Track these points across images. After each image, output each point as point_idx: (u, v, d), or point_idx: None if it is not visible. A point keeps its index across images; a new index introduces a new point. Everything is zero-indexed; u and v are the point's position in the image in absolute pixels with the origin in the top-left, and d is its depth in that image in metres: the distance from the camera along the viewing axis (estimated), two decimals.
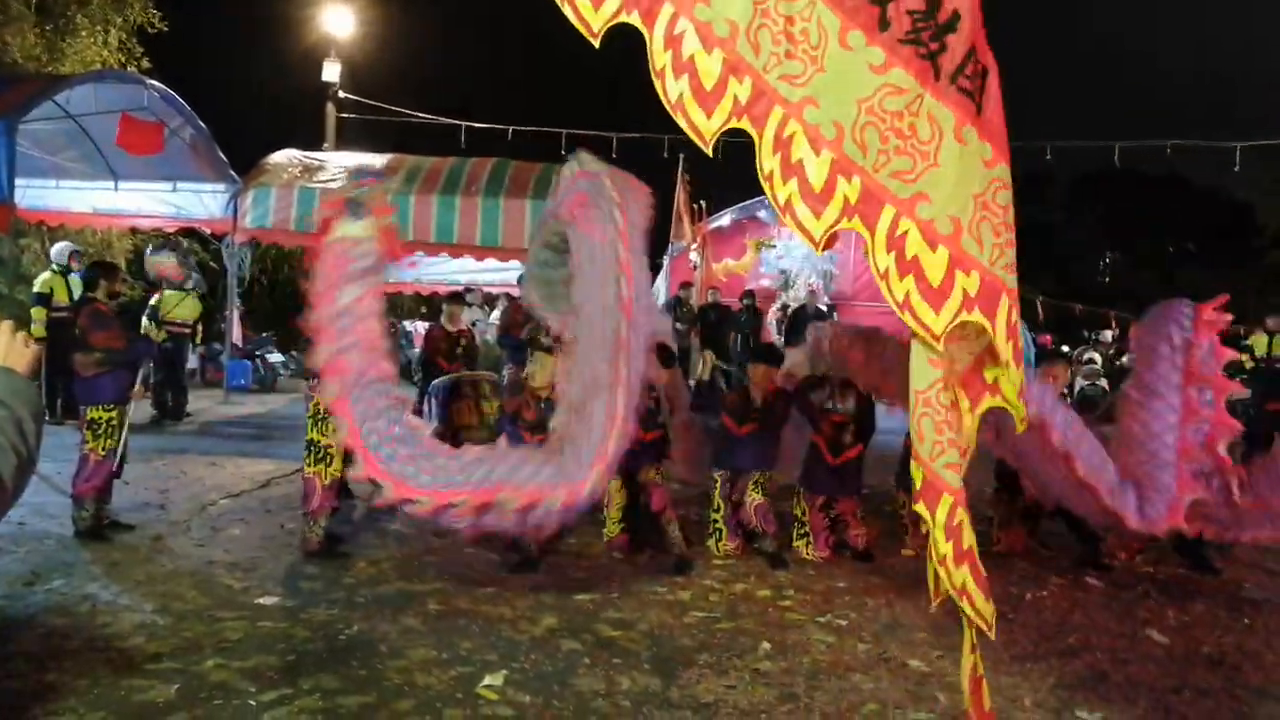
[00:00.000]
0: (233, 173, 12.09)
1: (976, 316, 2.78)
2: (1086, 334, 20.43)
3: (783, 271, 17.81)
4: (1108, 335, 18.27)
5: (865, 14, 2.76)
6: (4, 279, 12.71)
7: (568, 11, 2.67)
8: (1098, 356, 14.92)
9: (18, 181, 8.49)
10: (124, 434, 6.37)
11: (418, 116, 19.29)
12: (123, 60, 15.68)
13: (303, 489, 6.07)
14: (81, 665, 4.15)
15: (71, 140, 11.31)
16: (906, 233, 2.76)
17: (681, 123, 2.70)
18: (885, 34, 2.77)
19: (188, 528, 6.55)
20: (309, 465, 6.00)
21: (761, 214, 17.31)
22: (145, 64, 15.98)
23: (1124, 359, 14.09)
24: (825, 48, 2.74)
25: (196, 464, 8.72)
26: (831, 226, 2.74)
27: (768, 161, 2.75)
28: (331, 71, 18.75)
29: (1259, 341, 11.89)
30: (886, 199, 2.76)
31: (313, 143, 16.63)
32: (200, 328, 12.26)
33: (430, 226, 11.13)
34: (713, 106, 2.69)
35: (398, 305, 17.80)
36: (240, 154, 12.30)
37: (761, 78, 2.72)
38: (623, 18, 2.66)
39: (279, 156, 12.25)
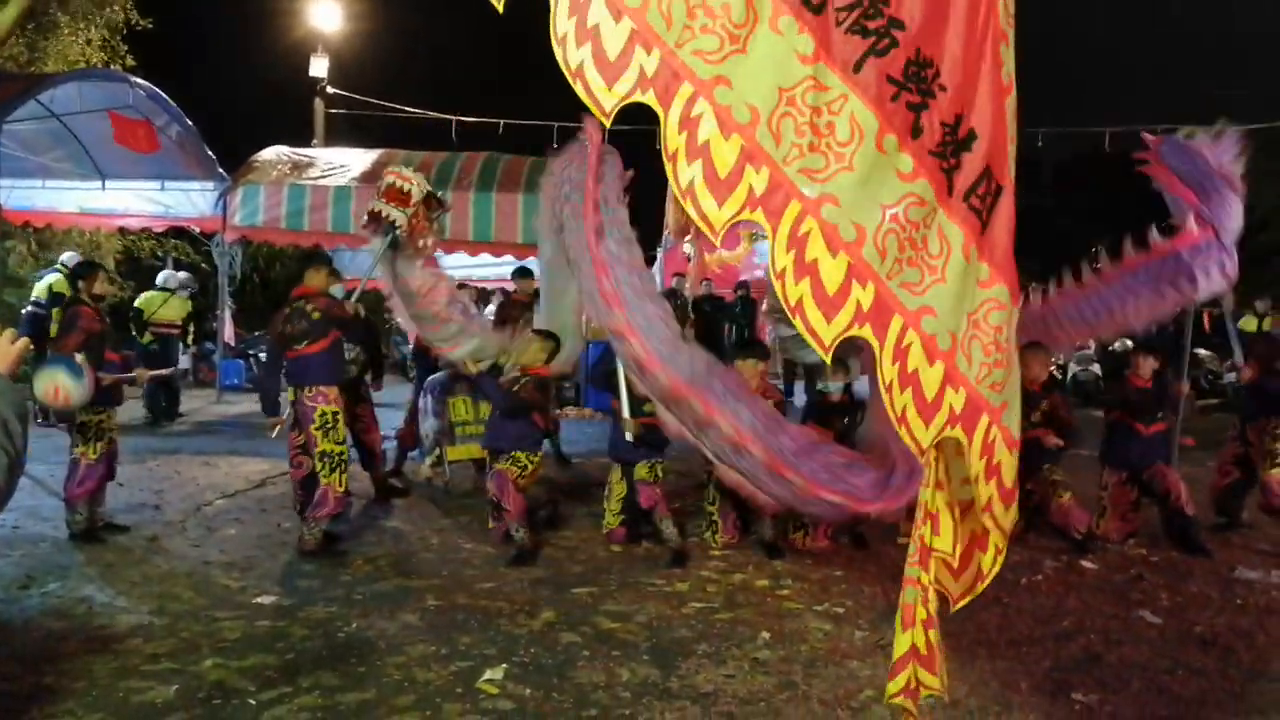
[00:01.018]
0: (221, 170, 12.04)
1: (957, 432, 2.84)
2: None
3: None
4: None
5: (901, 119, 2.71)
6: None
7: (579, 89, 2.50)
8: (1090, 343, 14.94)
9: (3, 182, 8.48)
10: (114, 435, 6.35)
11: (407, 111, 19.23)
12: (106, 59, 15.56)
13: (316, 497, 6.03)
14: (79, 667, 4.15)
15: (57, 140, 11.25)
16: (910, 345, 2.76)
17: (690, 210, 2.57)
18: (916, 142, 2.73)
19: (183, 528, 6.54)
20: (325, 476, 5.97)
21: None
22: (130, 61, 15.88)
23: (1115, 345, 14.14)
24: (858, 147, 2.65)
25: (191, 464, 8.71)
26: (843, 332, 2.66)
27: (780, 259, 2.62)
28: (319, 67, 18.67)
29: (1248, 324, 11.95)
30: (896, 309, 2.73)
31: (301, 139, 16.56)
32: (191, 328, 12.22)
33: None
34: (725, 196, 2.56)
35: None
36: (229, 151, 12.26)
37: (779, 169, 2.59)
38: (636, 97, 2.51)
39: (268, 153, 12.20)
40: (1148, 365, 6.90)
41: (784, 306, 2.64)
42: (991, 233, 2.90)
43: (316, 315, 6.13)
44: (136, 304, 11.42)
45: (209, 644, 4.46)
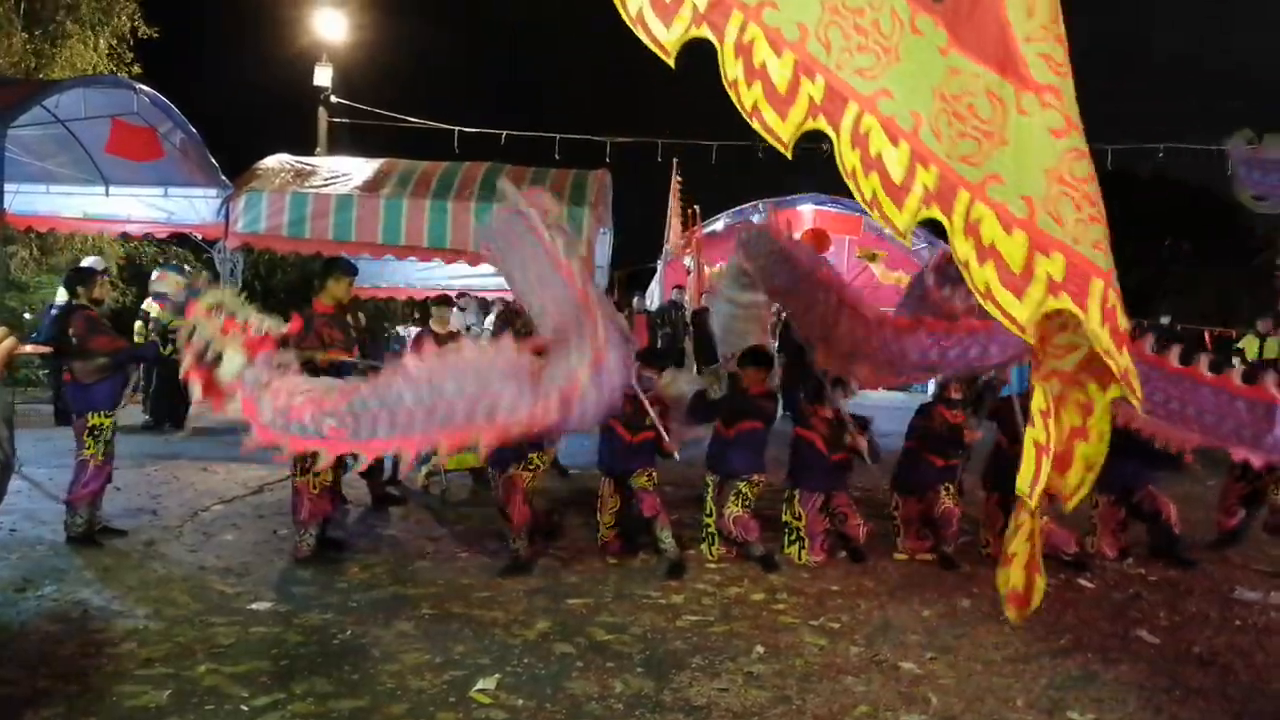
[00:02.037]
0: (224, 177, 12.06)
1: (1065, 302, 2.63)
2: None
3: None
4: None
5: None
6: None
7: (640, 33, 2.65)
8: None
9: (6, 187, 8.47)
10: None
11: (410, 121, 19.30)
12: (112, 67, 15.62)
13: (292, 498, 6.04)
14: (74, 671, 4.14)
15: (61, 145, 11.26)
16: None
17: (758, 127, 2.68)
18: (941, 7, 2.73)
19: (180, 533, 6.53)
20: (297, 475, 5.99)
21: (755, 219, 17.37)
22: (135, 70, 15.94)
23: None
24: (899, 36, 2.69)
25: (189, 469, 8.70)
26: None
27: (849, 157, 2.71)
28: (323, 76, 18.73)
29: (1250, 344, 11.94)
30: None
31: (305, 147, 16.61)
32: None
33: (423, 232, 11.11)
34: (787, 109, 2.66)
35: (389, 310, 17.75)
36: (232, 159, 12.27)
37: (834, 75, 2.67)
38: (693, 32, 2.64)
39: (271, 161, 12.22)
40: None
41: (861, 203, 2.73)
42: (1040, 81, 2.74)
43: (353, 330, 6.31)
44: (154, 314, 11.57)
45: (204, 649, 4.46)
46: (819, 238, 17.59)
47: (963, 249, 2.66)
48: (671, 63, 2.69)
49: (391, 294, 15.94)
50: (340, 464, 6.05)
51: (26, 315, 13.67)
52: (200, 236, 13.34)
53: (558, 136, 18.32)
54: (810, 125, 2.70)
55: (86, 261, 10.85)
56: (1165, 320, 15.08)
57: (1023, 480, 2.93)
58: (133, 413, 11.82)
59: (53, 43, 15.06)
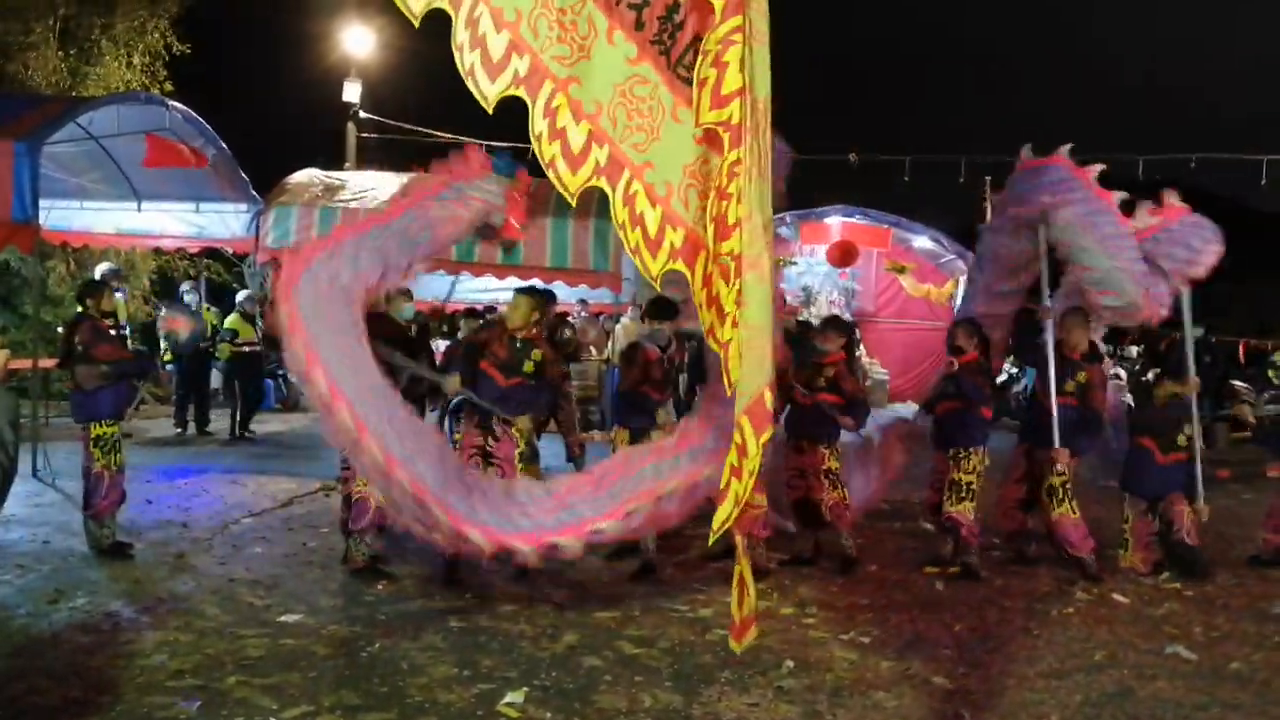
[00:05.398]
0: (254, 192, 12.17)
1: (680, 265, 3.38)
2: (1112, 349, 20.23)
3: (804, 288, 17.85)
4: (1133, 351, 18.11)
5: (625, 17, 3.38)
6: (29, 300, 12.83)
7: (470, 85, 3.27)
8: (1123, 372, 14.77)
9: (42, 203, 8.56)
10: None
11: (439, 135, 19.39)
12: (145, 83, 15.82)
13: (354, 508, 5.98)
14: (104, 682, 4.17)
15: (95, 162, 11.40)
16: (636, 194, 3.37)
17: (552, 177, 3.32)
18: (639, 34, 3.38)
19: (210, 546, 6.57)
20: (362, 484, 5.96)
21: (782, 230, 17.30)
22: (168, 86, 16.13)
23: (1149, 374, 13.96)
24: (593, 41, 3.33)
25: (219, 482, 8.76)
26: (584, 183, 3.34)
27: (620, 213, 3.38)
28: (352, 92, 18.86)
29: None
30: (626, 164, 3.36)
31: (334, 163, 16.72)
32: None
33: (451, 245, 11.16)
34: (496, 75, 3.28)
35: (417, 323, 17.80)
36: (262, 174, 12.38)
37: (538, 56, 3.29)
38: (511, 91, 3.28)
39: (300, 176, 12.30)
40: (1165, 390, 6.87)
41: (540, 161, 3.33)
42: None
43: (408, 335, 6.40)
44: (228, 325, 12.21)
45: (233, 661, 4.47)
46: (847, 250, 17.58)
47: (620, 214, 3.38)
48: (490, 110, 3.34)
49: (419, 308, 16.01)
50: None
51: (60, 329, 13.83)
52: (231, 251, 13.49)
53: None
54: (594, 183, 3.34)
55: (98, 271, 10.99)
56: (1199, 333, 14.86)
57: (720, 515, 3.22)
58: (163, 425, 11.96)
59: (88, 61, 15.27)
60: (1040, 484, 6.69)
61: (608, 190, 3.37)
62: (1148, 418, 6.92)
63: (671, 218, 3.40)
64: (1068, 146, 6.76)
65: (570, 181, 3.33)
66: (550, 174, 3.34)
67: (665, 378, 6.57)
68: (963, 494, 6.48)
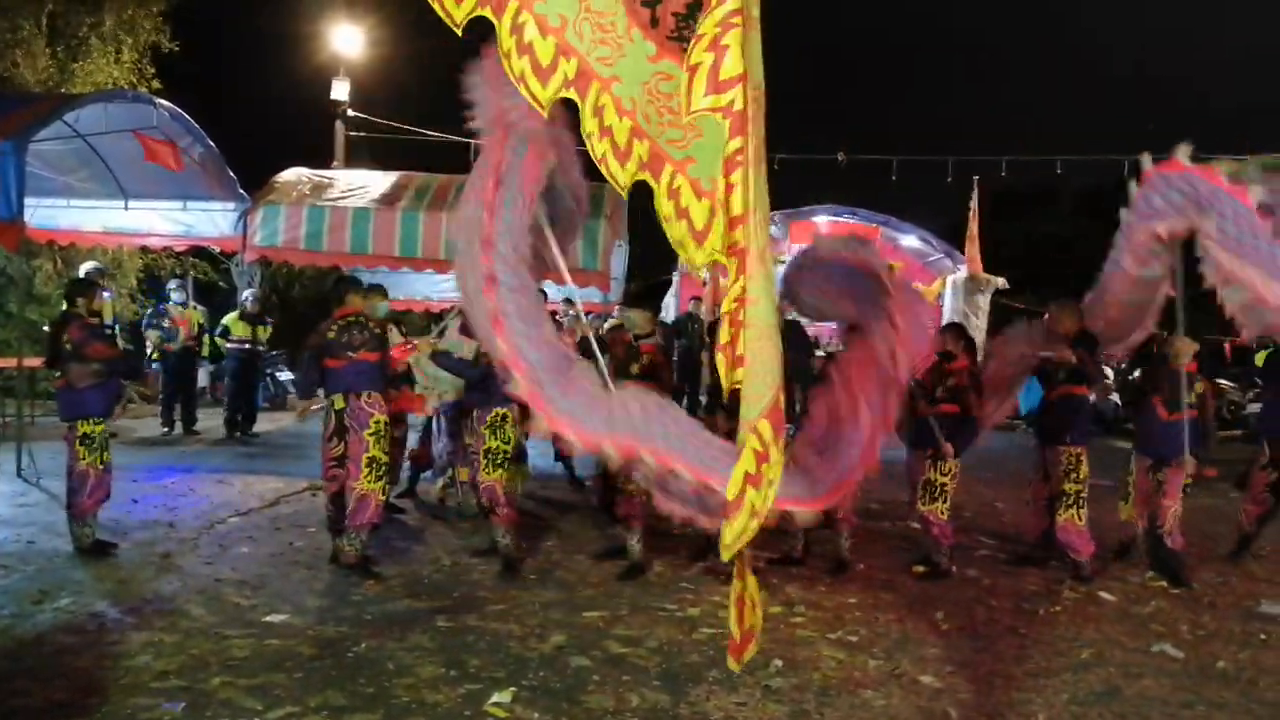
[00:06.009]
0: (242, 191, 12.13)
1: (646, 175, 3.55)
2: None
3: None
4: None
5: (641, 15, 3.57)
6: (15, 298, 12.76)
7: (521, 89, 3.53)
8: (1110, 371, 14.82)
9: (28, 201, 8.51)
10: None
11: (427, 134, 19.34)
12: (133, 81, 15.73)
13: (356, 504, 5.97)
14: (89, 683, 4.14)
15: (82, 160, 11.34)
16: (680, 188, 3.50)
17: (604, 172, 3.52)
18: (655, 31, 3.56)
19: (196, 545, 6.54)
20: (369, 483, 5.95)
21: (772, 230, 17.32)
22: (156, 84, 16.05)
23: (1136, 373, 14.01)
24: (625, 41, 3.53)
25: (205, 482, 8.72)
26: (632, 178, 3.52)
27: (588, 123, 3.54)
28: (340, 90, 18.81)
29: (1260, 356, 11.81)
30: (666, 159, 3.53)
31: (322, 161, 16.66)
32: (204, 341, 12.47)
33: (439, 244, 11.12)
34: (547, 79, 3.49)
35: (406, 323, 17.78)
36: (250, 172, 12.34)
37: (585, 59, 3.50)
38: (563, 93, 3.48)
39: (288, 174, 12.27)
40: (1183, 347, 6.59)
41: (592, 156, 3.57)
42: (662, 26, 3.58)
43: (376, 330, 6.29)
44: (225, 323, 12.17)
45: (218, 661, 4.45)
46: None
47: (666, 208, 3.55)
48: (545, 115, 3.65)
49: (409, 307, 15.96)
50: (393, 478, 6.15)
51: (45, 328, 13.76)
52: (218, 249, 13.44)
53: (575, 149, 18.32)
54: (639, 176, 3.52)
55: (83, 270, 10.92)
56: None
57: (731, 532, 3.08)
58: (150, 425, 11.90)
59: (75, 58, 15.18)
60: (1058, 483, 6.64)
61: (652, 184, 3.54)
62: (1157, 376, 6.81)
63: (638, 131, 3.56)
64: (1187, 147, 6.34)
65: (620, 176, 3.51)
66: (602, 169, 3.53)
67: (651, 373, 6.33)
68: (936, 494, 6.48)
